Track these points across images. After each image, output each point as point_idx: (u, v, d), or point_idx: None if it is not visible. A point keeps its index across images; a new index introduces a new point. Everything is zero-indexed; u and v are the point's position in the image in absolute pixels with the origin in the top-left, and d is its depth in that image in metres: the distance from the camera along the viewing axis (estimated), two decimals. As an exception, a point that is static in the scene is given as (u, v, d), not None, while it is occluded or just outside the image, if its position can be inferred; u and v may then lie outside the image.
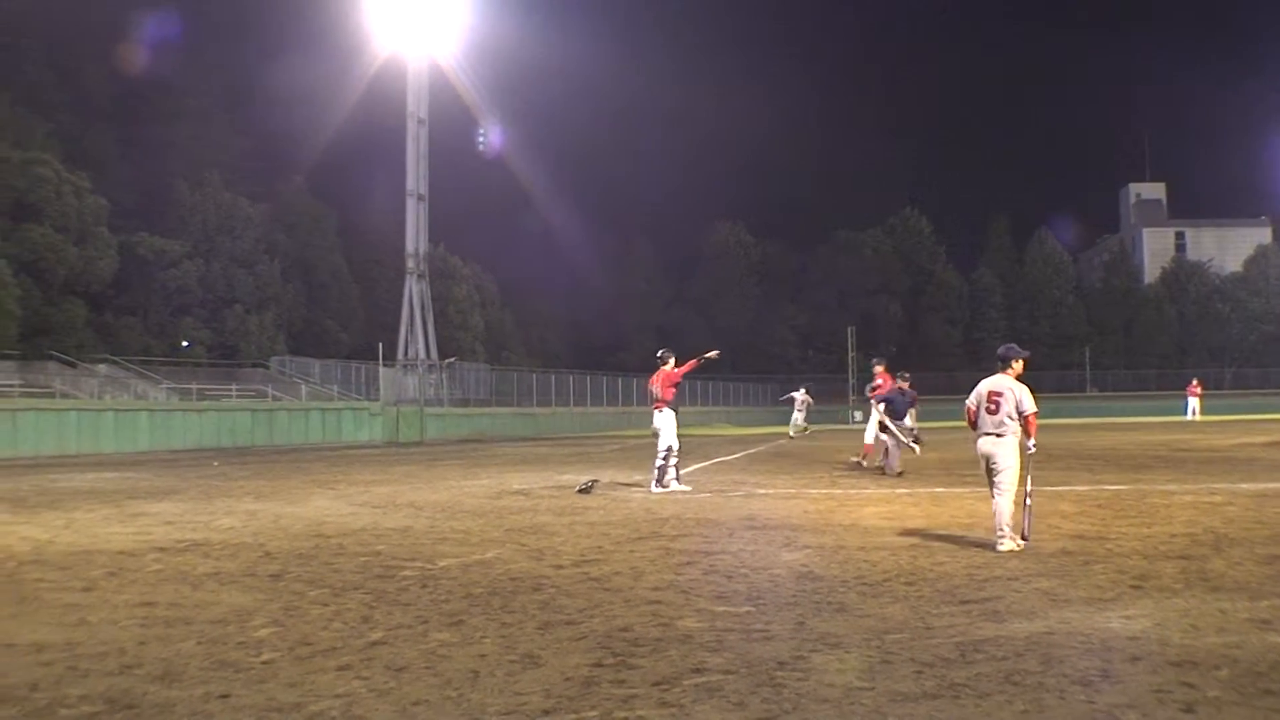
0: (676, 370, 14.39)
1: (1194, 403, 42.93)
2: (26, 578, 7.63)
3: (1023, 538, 8.20)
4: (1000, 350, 8.70)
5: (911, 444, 17.24)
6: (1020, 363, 8.54)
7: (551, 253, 73.54)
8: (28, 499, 14.38)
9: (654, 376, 14.53)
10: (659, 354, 14.65)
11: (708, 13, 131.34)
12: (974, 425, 8.56)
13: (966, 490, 13.49)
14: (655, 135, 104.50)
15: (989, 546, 8.26)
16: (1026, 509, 8.29)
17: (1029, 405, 8.31)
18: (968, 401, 8.59)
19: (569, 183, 74.50)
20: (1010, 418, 8.29)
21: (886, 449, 16.76)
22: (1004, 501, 8.21)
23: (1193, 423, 40.50)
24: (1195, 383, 44.70)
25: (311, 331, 56.98)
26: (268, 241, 54.01)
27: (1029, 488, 8.34)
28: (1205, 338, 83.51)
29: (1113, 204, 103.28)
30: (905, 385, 17.45)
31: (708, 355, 15.14)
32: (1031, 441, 8.34)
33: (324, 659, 5.03)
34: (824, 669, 4.73)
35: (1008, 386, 8.38)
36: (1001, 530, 8.18)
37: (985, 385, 8.50)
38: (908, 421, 17.29)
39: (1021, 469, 8.33)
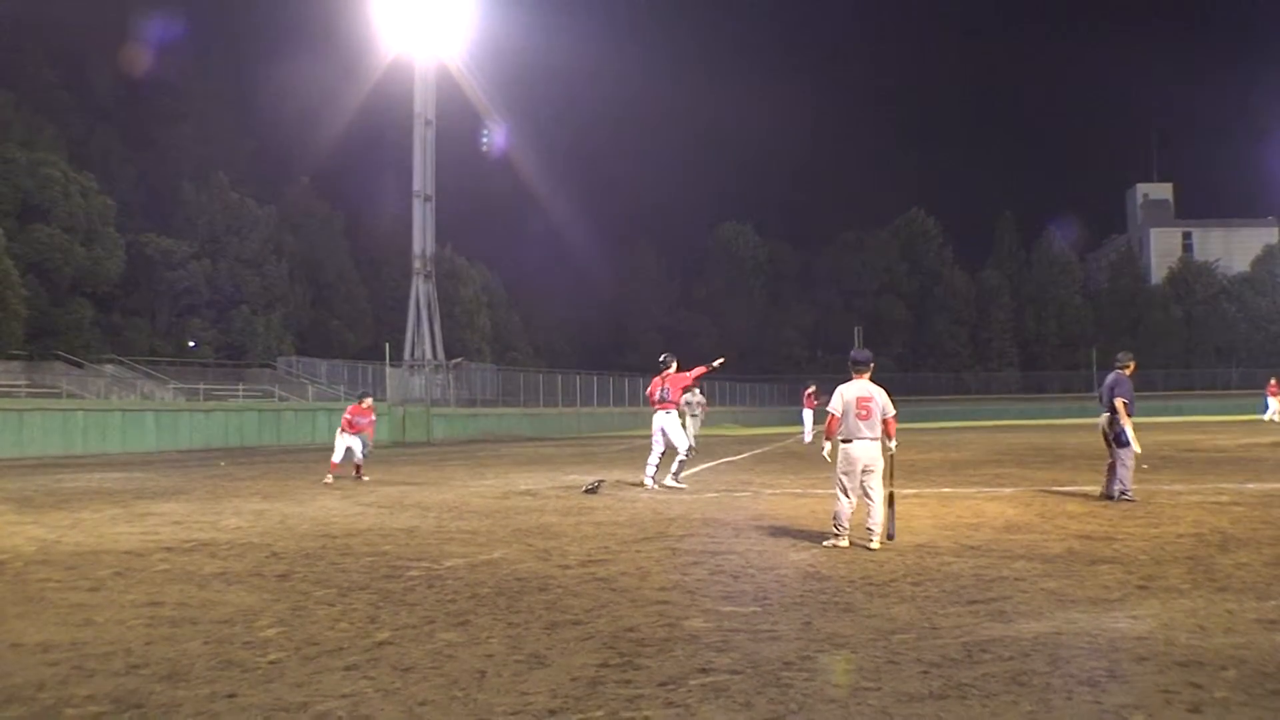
0: (688, 374, 15.04)
1: (1274, 403, 41.49)
2: (33, 578, 7.64)
3: (888, 536, 8.42)
4: (860, 356, 8.81)
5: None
6: (872, 366, 8.79)
7: (558, 253, 73.63)
8: (34, 499, 14.41)
9: (660, 379, 14.89)
10: (662, 358, 15.18)
11: (714, 13, 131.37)
12: (832, 431, 8.64)
13: (974, 490, 13.47)
14: (661, 136, 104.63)
15: (994, 547, 8.25)
16: (892, 509, 8.53)
17: (891, 409, 8.56)
18: (831, 408, 8.61)
19: (575, 183, 74.63)
20: (878, 422, 8.48)
21: (1113, 465, 11.95)
22: (880, 504, 8.43)
23: (1271, 423, 38.83)
24: (1275, 382, 42.85)
25: (318, 332, 57.07)
26: (275, 242, 54.12)
27: (892, 488, 8.68)
28: (1212, 338, 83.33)
29: (1120, 204, 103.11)
30: (1121, 368, 12.27)
31: (715, 364, 15.64)
32: (893, 442, 8.59)
33: (330, 659, 5.04)
34: (830, 669, 4.73)
35: (874, 391, 8.54)
36: (876, 528, 8.39)
37: (851, 391, 8.53)
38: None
39: (887, 470, 8.63)
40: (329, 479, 16.73)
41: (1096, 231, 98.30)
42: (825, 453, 8.86)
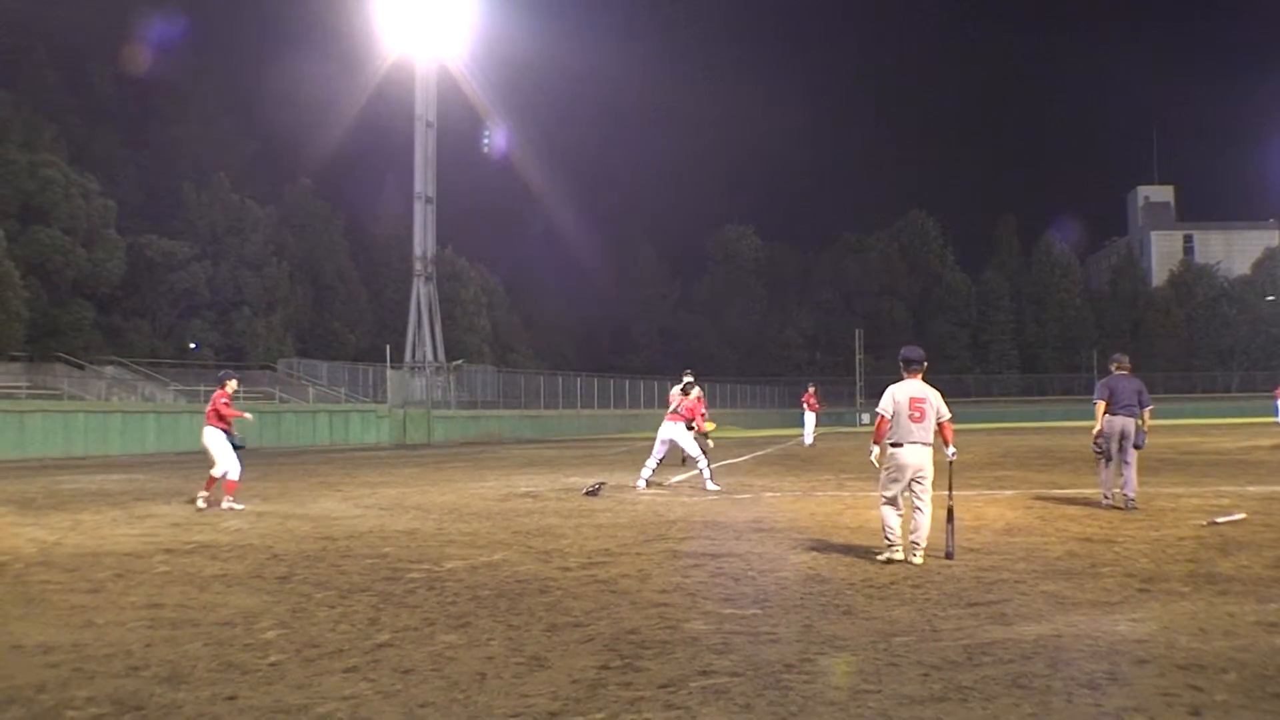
0: (696, 410, 15.24)
1: None
2: (33, 579, 7.65)
3: (947, 555, 7.78)
4: (912, 354, 8.14)
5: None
6: (925, 365, 8.15)
7: (558, 254, 73.70)
8: (35, 501, 14.41)
9: (676, 398, 15.33)
10: (685, 381, 15.59)
11: (715, 16, 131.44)
12: (880, 434, 7.97)
13: (974, 493, 13.46)
14: (662, 138, 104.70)
15: (994, 550, 8.26)
16: (952, 524, 7.91)
17: (946, 411, 7.97)
18: (881, 409, 7.92)
19: (576, 185, 74.65)
20: (932, 426, 7.87)
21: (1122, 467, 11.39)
22: (928, 516, 7.86)
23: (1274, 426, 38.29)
24: None
25: (319, 334, 57.07)
26: (275, 243, 54.11)
27: (952, 502, 8.02)
28: (1213, 341, 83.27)
29: (1120, 207, 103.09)
30: (1123, 370, 11.82)
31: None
32: (951, 449, 8.02)
33: (331, 661, 5.04)
34: (831, 672, 4.73)
35: (928, 392, 7.94)
36: (906, 542, 7.81)
37: (903, 391, 7.89)
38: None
39: (943, 478, 7.99)
40: (202, 502, 12.68)
41: (1097, 234, 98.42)
42: (873, 457, 8.13)
